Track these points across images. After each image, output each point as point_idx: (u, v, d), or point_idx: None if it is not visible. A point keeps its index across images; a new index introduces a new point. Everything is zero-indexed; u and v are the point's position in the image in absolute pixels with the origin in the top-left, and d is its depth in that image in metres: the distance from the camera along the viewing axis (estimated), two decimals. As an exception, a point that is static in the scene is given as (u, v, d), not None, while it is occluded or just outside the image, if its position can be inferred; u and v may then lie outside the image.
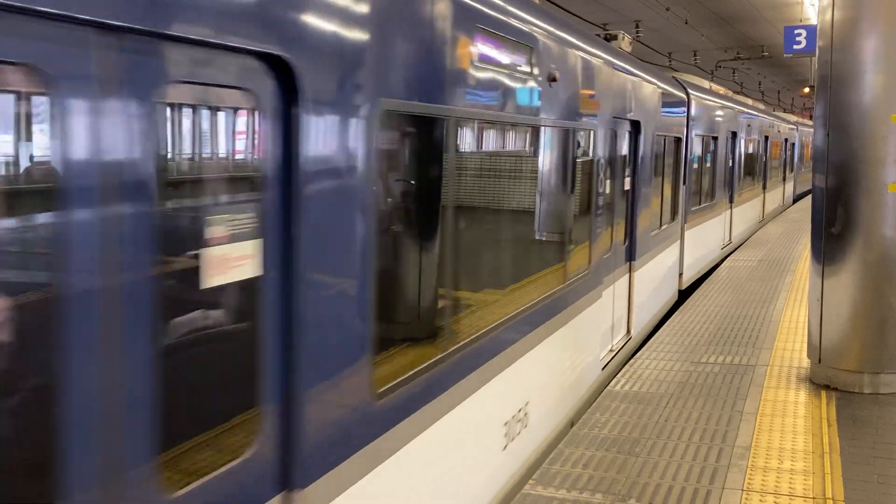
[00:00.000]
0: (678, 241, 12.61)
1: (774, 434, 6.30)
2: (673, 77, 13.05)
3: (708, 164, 15.01)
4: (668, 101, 11.16)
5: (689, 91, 13.07)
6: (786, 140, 28.18)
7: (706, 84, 16.53)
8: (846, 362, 7.37)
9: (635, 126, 9.45)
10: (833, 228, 7.36)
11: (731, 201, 17.71)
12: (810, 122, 42.97)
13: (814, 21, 19.95)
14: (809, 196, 31.53)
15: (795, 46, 17.08)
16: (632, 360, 8.42)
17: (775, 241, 18.38)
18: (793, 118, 35.75)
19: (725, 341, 9.24)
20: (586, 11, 21.47)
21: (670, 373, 7.97)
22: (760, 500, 5.17)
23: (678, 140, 12.17)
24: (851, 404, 7.00)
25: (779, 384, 7.59)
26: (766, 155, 23.11)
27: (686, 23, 26.31)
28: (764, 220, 23.79)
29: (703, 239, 14.72)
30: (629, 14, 24.43)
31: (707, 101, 14.55)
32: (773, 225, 22.65)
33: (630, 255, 9.54)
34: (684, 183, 12.78)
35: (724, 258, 16.45)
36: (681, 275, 13.01)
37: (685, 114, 12.61)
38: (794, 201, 32.26)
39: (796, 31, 17.19)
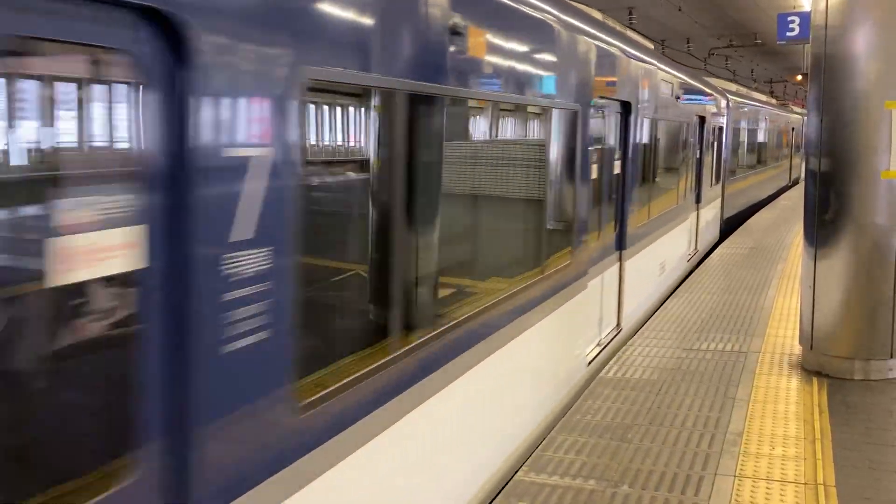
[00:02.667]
0: None
1: (766, 420, 6.32)
2: None
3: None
4: None
5: None
6: (707, 123, 15.25)
7: None
8: (838, 349, 7.39)
9: None
10: (826, 215, 7.37)
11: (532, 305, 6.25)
12: (762, 97, 29.12)
13: (807, 8, 19.92)
14: (747, 223, 19.77)
15: (789, 34, 17.00)
16: (623, 348, 8.44)
17: (765, 230, 18.38)
18: (732, 87, 21.98)
19: (717, 328, 9.25)
20: (580, -2, 21.35)
21: (662, 360, 7.99)
22: (752, 486, 5.19)
23: None
24: (843, 390, 7.03)
25: (771, 371, 7.61)
26: (653, 154, 10.53)
27: (679, 10, 26.27)
28: (664, 295, 11.89)
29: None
30: (623, 0, 24.36)
31: None
32: (754, 219, 19.45)
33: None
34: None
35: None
36: None
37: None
38: (724, 236, 18.51)
39: (790, 18, 17.11)
